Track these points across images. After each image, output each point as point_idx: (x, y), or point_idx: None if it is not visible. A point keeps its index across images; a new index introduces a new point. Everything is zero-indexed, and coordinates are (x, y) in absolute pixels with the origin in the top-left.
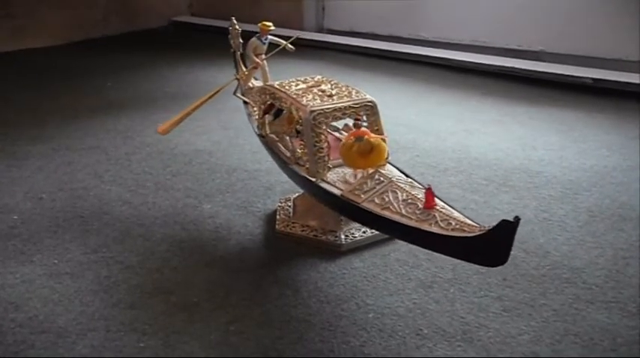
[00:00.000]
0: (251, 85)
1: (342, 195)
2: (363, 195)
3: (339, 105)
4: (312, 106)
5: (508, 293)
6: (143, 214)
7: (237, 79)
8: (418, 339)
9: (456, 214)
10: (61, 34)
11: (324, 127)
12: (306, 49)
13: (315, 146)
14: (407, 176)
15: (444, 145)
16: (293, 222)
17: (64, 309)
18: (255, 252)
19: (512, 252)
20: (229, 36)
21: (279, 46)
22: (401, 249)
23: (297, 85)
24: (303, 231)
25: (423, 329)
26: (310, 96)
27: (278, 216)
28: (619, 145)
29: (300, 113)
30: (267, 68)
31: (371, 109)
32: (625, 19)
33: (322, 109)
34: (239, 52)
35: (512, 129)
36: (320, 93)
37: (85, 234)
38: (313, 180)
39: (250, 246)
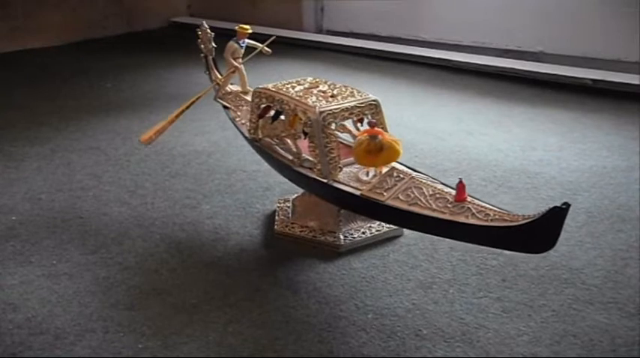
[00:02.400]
0: (228, 89)
1: (362, 194)
2: (385, 193)
3: (346, 105)
4: (320, 107)
5: (507, 294)
6: (142, 215)
7: (217, 83)
8: (417, 340)
9: (487, 205)
10: (59, 34)
11: (333, 127)
12: (306, 50)
13: (326, 147)
14: (419, 172)
15: (443, 146)
16: (292, 223)
17: (63, 310)
18: (254, 252)
19: (510, 253)
20: (199, 40)
21: (256, 49)
22: (400, 249)
23: (293, 87)
24: (302, 231)
25: (422, 330)
26: (314, 98)
27: (277, 217)
28: (618, 146)
29: (309, 114)
30: (244, 72)
31: (375, 108)
32: (624, 20)
33: (331, 110)
34: (211, 57)
35: (512, 129)
36: (322, 94)
37: (83, 235)
38: (325, 181)
39: (249, 246)
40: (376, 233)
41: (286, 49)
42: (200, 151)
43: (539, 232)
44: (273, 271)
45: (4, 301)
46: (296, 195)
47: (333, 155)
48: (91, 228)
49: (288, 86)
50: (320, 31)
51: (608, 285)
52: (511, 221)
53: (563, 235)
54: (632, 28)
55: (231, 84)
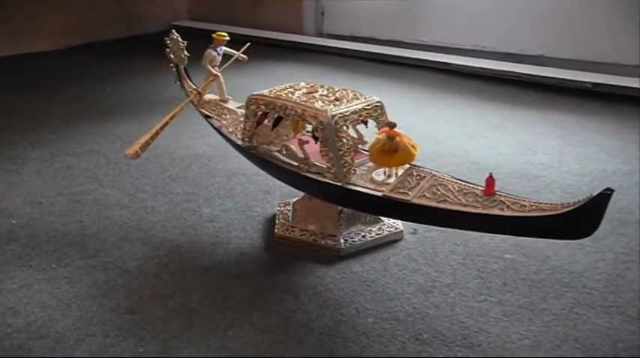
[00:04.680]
0: (206, 98)
1: (384, 195)
2: (410, 192)
3: (354, 107)
4: (331, 111)
5: (508, 297)
6: (142, 219)
7: (198, 92)
8: (418, 344)
9: (518, 198)
10: (60, 38)
11: (344, 131)
12: (306, 54)
13: (340, 150)
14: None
15: (444, 149)
16: (292, 227)
17: (62, 314)
18: (254, 256)
19: (511, 257)
20: (167, 50)
21: (233, 56)
22: (400, 253)
23: (292, 92)
24: (302, 235)
25: (422, 334)
26: (320, 102)
27: (277, 221)
28: (619, 150)
29: (321, 119)
30: (222, 79)
31: (380, 110)
32: (625, 23)
33: (341, 113)
34: (183, 67)
35: (512, 133)
36: (325, 98)
37: (83, 239)
38: (339, 184)
39: (249, 250)
40: (376, 236)
41: (287, 52)
42: (200, 155)
43: (584, 218)
44: (273, 275)
45: (4, 305)
46: (296, 198)
47: (347, 158)
48: (91, 231)
49: (286, 92)
50: (320, 35)
51: (610, 289)
52: (550, 210)
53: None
54: (632, 32)
55: (207, 92)
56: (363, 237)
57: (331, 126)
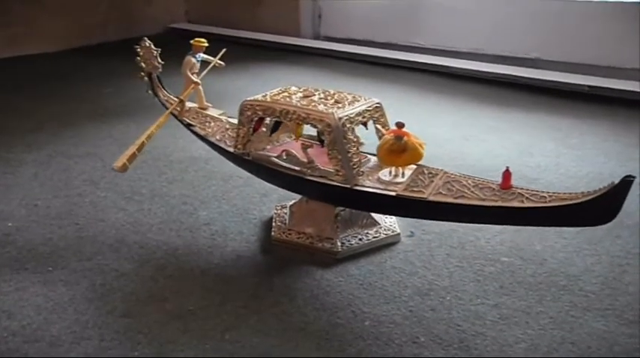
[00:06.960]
0: (187, 107)
1: (398, 194)
2: (425, 190)
3: (357, 109)
4: (338, 114)
5: (505, 300)
6: (138, 221)
7: (181, 100)
8: (414, 347)
9: (534, 189)
10: (59, 40)
11: (350, 133)
12: (303, 56)
13: (348, 152)
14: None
15: (441, 152)
16: (289, 229)
17: (58, 317)
18: (250, 259)
19: (508, 260)
20: (138, 58)
21: (211, 63)
22: (397, 256)
23: (288, 96)
24: (299, 238)
25: (419, 337)
26: (322, 105)
27: (274, 223)
28: (615, 152)
29: (328, 122)
30: (201, 87)
31: (380, 111)
32: (622, 26)
33: (347, 115)
34: (156, 75)
35: (509, 136)
36: (324, 101)
37: (79, 242)
38: (349, 186)
39: (246, 253)
40: (373, 239)
41: (284, 55)
42: (197, 157)
43: (606, 206)
44: (270, 278)
45: None
46: (293, 201)
47: (355, 160)
48: (88, 234)
49: (282, 96)
50: (317, 37)
51: (606, 292)
52: (571, 199)
53: (560, 241)
54: (629, 35)
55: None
56: (360, 239)
57: (339, 129)
